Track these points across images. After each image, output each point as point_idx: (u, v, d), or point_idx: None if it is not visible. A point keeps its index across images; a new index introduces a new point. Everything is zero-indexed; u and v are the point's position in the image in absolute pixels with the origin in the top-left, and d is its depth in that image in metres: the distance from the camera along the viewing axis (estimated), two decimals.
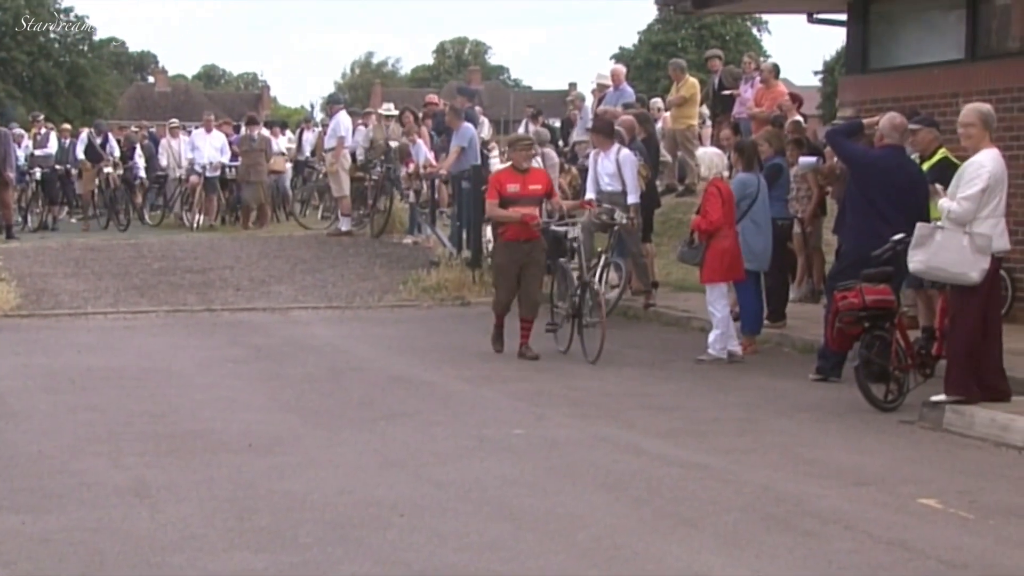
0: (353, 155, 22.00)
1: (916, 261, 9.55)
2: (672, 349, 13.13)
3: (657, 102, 22.29)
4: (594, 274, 13.45)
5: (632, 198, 14.35)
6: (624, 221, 13.60)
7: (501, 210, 12.58)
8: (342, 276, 17.96)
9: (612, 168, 14.42)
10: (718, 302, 12.22)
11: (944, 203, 9.41)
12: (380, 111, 22.19)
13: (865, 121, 11.57)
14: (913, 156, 11.33)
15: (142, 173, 26.03)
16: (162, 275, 17.96)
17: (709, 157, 12.55)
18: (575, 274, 12.73)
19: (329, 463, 8.27)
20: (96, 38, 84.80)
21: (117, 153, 25.41)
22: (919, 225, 9.67)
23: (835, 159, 13.14)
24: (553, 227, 12.77)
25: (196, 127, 25.94)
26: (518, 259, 12.52)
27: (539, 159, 16.57)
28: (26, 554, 6.39)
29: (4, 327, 14.70)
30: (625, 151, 14.54)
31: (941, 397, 9.49)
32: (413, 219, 20.69)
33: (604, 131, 14.75)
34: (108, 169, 24.60)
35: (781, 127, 15.45)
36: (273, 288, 17.22)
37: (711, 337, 12.31)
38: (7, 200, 22.18)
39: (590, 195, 14.50)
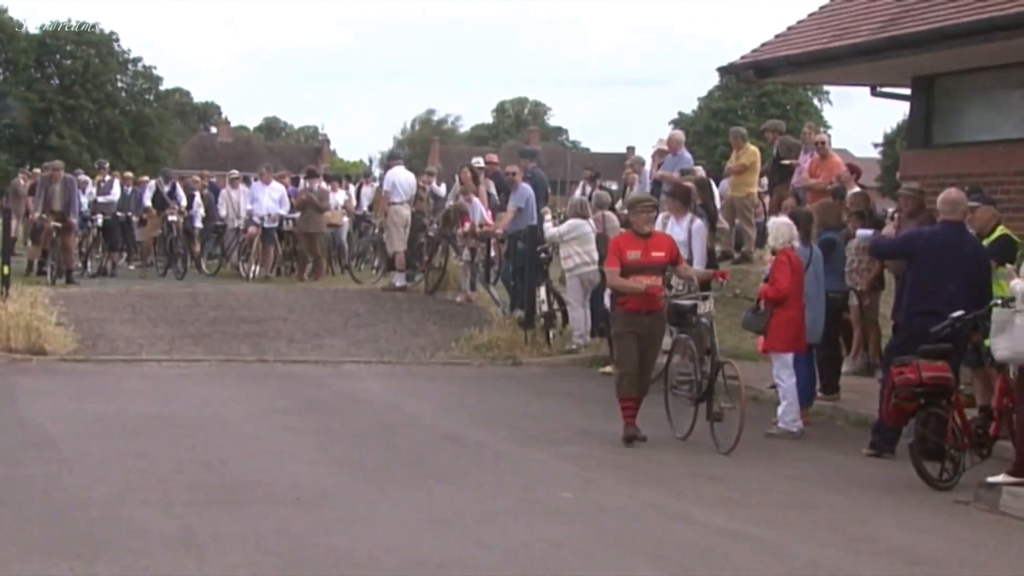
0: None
1: (1001, 349, 9.47)
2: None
3: (699, 169, 22.11)
4: None
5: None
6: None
7: (624, 280, 11.32)
8: (395, 331, 18.00)
9: (683, 236, 14.10)
10: (782, 372, 11.99)
11: (1019, 284, 9.27)
12: (471, 164, 21.96)
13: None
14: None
15: (199, 223, 26.27)
16: (217, 324, 18.09)
17: (777, 227, 12.39)
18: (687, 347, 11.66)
19: (376, 520, 8.25)
20: (162, 88, 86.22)
21: (184, 202, 25.69)
22: (996, 311, 9.57)
23: (893, 231, 13.06)
24: (681, 300, 11.76)
25: (256, 178, 26.21)
26: (638, 330, 11.33)
27: (591, 223, 16.55)
28: None
29: (61, 371, 14.86)
30: (699, 222, 14.50)
31: (999, 478, 9.33)
32: (467, 277, 20.74)
33: (682, 198, 14.69)
34: (173, 217, 24.88)
35: (841, 199, 15.35)
36: (326, 341, 17.29)
37: (780, 409, 12.01)
38: (69, 245, 22.44)
39: None
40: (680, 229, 14.26)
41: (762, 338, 12.37)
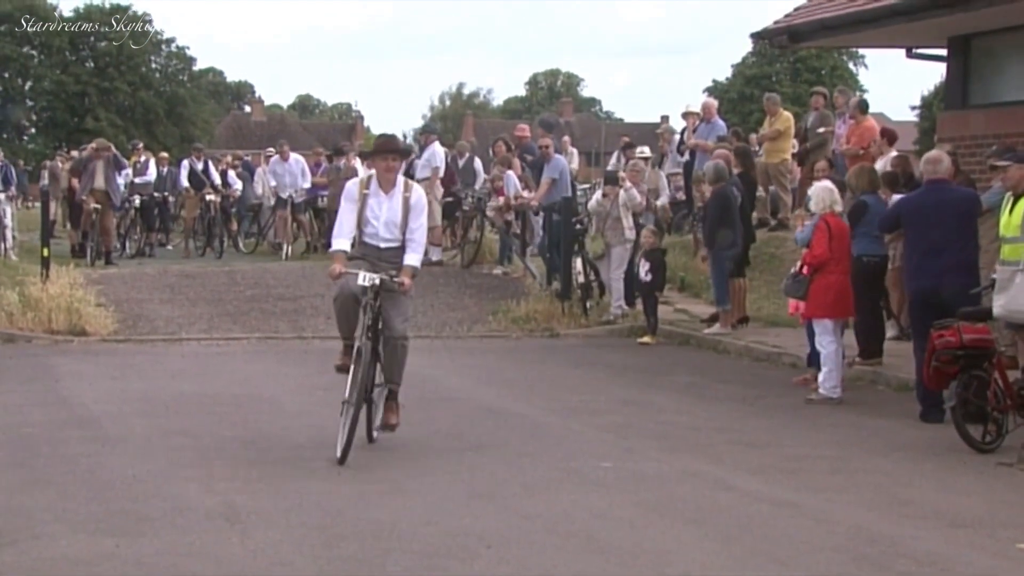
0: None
1: (998, 306, 9.81)
2: (762, 384, 12.97)
3: (754, 137, 22.10)
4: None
5: (412, 259, 9.82)
6: (386, 280, 9.27)
7: None
8: (432, 306, 18.02)
9: (397, 215, 9.65)
10: (824, 338, 11.94)
11: None
12: (636, 154, 21.22)
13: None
14: (1007, 194, 11.09)
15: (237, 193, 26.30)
16: (255, 302, 18.18)
17: (818, 192, 12.33)
18: None
19: (417, 493, 8.28)
20: (196, 68, 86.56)
21: (218, 180, 25.81)
22: (1000, 269, 9.81)
23: None
24: None
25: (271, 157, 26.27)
26: None
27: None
28: None
29: (101, 351, 14.98)
30: (417, 191, 9.83)
31: None
32: (503, 250, 20.73)
33: (396, 150, 9.98)
34: (211, 196, 25.01)
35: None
36: None
37: (821, 376, 11.97)
38: (108, 226, 22.60)
39: (341, 244, 9.57)
40: (391, 206, 9.65)
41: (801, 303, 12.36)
